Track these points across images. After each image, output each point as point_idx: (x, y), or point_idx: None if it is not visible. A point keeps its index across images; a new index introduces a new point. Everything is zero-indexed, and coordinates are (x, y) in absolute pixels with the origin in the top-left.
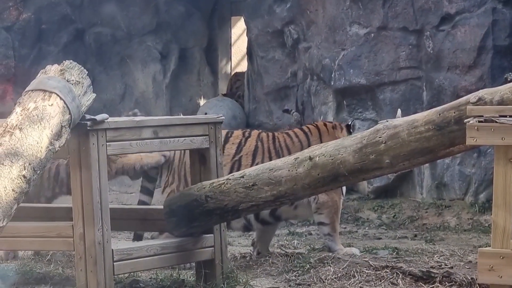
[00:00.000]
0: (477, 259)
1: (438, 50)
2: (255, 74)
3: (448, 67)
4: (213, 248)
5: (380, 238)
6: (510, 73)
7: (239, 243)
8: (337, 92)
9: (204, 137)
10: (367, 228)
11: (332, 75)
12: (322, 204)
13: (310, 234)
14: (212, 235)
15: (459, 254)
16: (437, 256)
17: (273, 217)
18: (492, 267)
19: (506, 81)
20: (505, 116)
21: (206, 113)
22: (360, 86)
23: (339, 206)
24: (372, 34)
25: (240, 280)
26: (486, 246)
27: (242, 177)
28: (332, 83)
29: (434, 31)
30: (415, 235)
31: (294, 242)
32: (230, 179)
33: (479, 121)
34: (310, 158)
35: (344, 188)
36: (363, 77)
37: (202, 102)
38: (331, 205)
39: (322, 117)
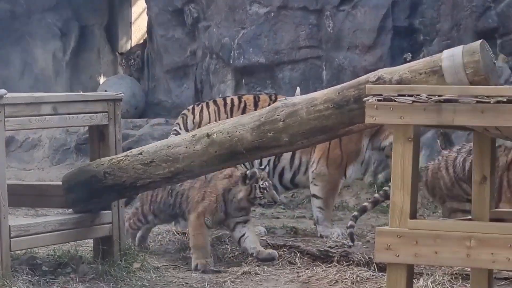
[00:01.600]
0: (375, 238)
1: (338, 30)
2: (155, 52)
3: (348, 47)
4: (111, 224)
5: (278, 218)
6: (409, 54)
7: None
8: (236, 71)
9: (103, 114)
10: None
11: (232, 54)
12: (318, 175)
13: None
14: (110, 211)
15: (357, 233)
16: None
17: (292, 184)
18: (389, 246)
19: (405, 62)
20: (404, 95)
21: (105, 91)
22: (259, 65)
23: (337, 184)
24: (272, 13)
25: (138, 257)
26: (384, 226)
27: (141, 153)
28: (232, 62)
29: (335, 11)
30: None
31: None
32: (128, 156)
33: (378, 100)
34: (208, 135)
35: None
36: (262, 56)
37: (102, 80)
38: (327, 180)
39: (220, 95)
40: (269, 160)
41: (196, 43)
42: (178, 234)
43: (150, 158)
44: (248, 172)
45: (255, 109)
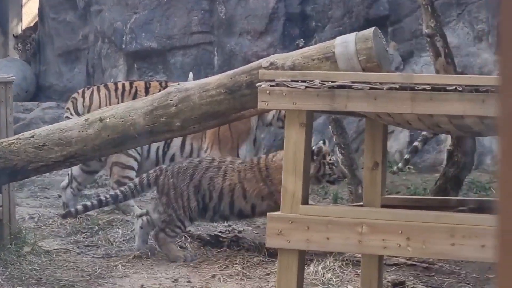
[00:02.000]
0: (267, 224)
1: (230, 16)
2: (46, 36)
3: (240, 33)
4: (1, 208)
5: None
6: (302, 40)
7: (27, 204)
8: (128, 56)
9: None
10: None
11: (124, 39)
12: None
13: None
14: (1, 195)
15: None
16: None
17: None
18: (280, 231)
19: (298, 48)
20: (297, 81)
21: None
22: (151, 50)
23: None
24: None
25: (28, 241)
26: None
27: (33, 137)
28: (124, 47)
29: None
30: None
31: None
32: (20, 139)
33: (271, 86)
34: (101, 120)
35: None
36: (154, 41)
37: None
38: None
39: (112, 80)
40: (158, 147)
41: (88, 27)
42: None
43: (42, 142)
44: (314, 148)
45: (146, 95)
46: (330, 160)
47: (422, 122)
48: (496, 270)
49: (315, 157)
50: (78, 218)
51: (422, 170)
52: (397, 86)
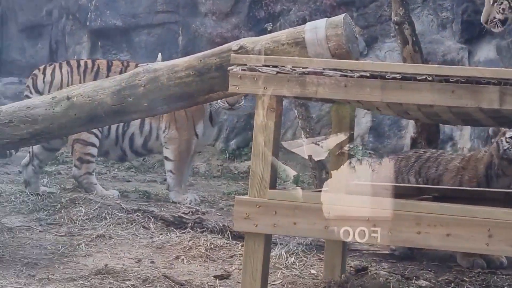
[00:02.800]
0: (234, 207)
1: None
2: (10, 10)
3: (205, 13)
4: None
5: (129, 181)
6: (270, 23)
7: None
8: (92, 33)
9: None
10: (116, 170)
11: (88, 16)
12: (169, 139)
13: (60, 173)
14: None
15: (210, 200)
16: (187, 202)
17: (145, 150)
18: (248, 215)
19: (266, 32)
20: (268, 66)
21: None
22: (116, 28)
23: (189, 145)
24: None
25: None
26: (235, 193)
27: None
28: (88, 24)
29: None
30: (165, 179)
31: (44, 181)
32: None
33: (243, 70)
34: (68, 98)
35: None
36: (119, 19)
37: None
38: (178, 142)
39: (76, 57)
40: (118, 126)
41: (53, 3)
42: (32, 195)
43: (8, 119)
44: (490, 131)
45: (108, 74)
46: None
47: (391, 109)
48: None
49: (493, 139)
50: (41, 196)
51: (383, 155)
52: (368, 74)
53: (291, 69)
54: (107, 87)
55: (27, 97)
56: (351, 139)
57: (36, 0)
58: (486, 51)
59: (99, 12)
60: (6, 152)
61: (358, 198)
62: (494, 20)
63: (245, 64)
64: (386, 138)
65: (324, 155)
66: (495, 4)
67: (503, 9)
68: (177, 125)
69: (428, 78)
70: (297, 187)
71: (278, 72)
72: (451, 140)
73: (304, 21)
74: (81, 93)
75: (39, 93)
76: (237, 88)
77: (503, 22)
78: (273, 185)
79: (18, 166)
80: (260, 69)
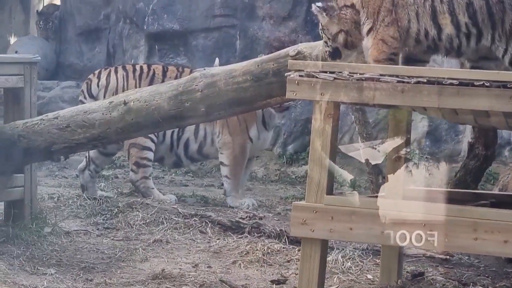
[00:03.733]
0: (291, 212)
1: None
2: (68, 14)
3: (263, 17)
4: (23, 188)
5: (187, 186)
6: None
7: (46, 183)
8: (149, 37)
9: (19, 76)
10: (173, 174)
11: (146, 20)
12: (223, 144)
13: (117, 177)
14: (23, 175)
15: (267, 205)
16: (245, 207)
17: (201, 155)
18: (305, 221)
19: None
20: (326, 72)
21: (16, 51)
22: (173, 32)
23: (244, 149)
24: None
25: (49, 221)
26: (293, 198)
27: (56, 118)
28: (145, 28)
29: None
30: (222, 184)
31: (101, 185)
32: (44, 120)
33: (300, 76)
34: (125, 103)
35: (256, 133)
36: (176, 23)
37: (13, 40)
38: (232, 147)
39: (133, 61)
40: (173, 131)
41: (110, 6)
42: (89, 199)
43: (66, 123)
44: None
45: (163, 79)
46: None
47: (446, 118)
48: None
49: None
50: (98, 200)
51: (440, 160)
52: (425, 80)
53: (348, 75)
54: (164, 92)
55: (81, 102)
56: (407, 143)
57: (94, 3)
58: None
59: (156, 16)
60: (59, 157)
61: (414, 204)
62: (327, 53)
63: (302, 70)
64: (443, 143)
65: (381, 159)
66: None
67: (326, 42)
68: (230, 130)
69: (486, 84)
70: (354, 192)
71: (335, 78)
72: (509, 145)
73: None
74: (138, 98)
75: (93, 98)
76: (294, 94)
77: (334, 53)
78: (329, 191)
79: (75, 170)
80: (317, 75)
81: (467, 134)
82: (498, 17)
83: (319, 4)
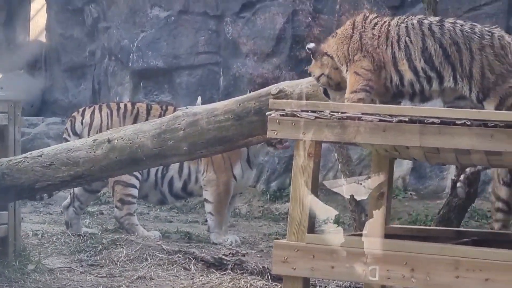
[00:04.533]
0: (273, 251)
1: (237, 37)
2: (53, 51)
3: (246, 54)
4: (7, 225)
5: (171, 222)
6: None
7: (30, 220)
8: (134, 74)
9: (3, 114)
10: (158, 210)
11: (130, 57)
12: (208, 181)
13: (102, 213)
14: (7, 212)
15: (250, 241)
16: (228, 243)
17: (185, 193)
18: (286, 259)
19: (307, 73)
20: (307, 111)
21: (1, 88)
22: (157, 69)
23: (227, 187)
24: (173, 18)
25: (32, 258)
26: (276, 234)
27: (40, 156)
28: (130, 65)
29: (235, 17)
30: (206, 220)
31: (86, 222)
32: (28, 158)
33: (281, 115)
34: (109, 141)
35: (240, 171)
36: (161, 60)
37: None
38: (216, 184)
39: (118, 97)
40: (157, 169)
41: (95, 43)
42: (73, 236)
43: (50, 161)
44: None
45: (147, 117)
46: None
47: (427, 158)
48: None
49: None
50: (82, 237)
51: (424, 197)
52: (407, 119)
53: (329, 114)
54: (148, 130)
55: (65, 140)
56: (390, 180)
57: (79, 40)
58: None
59: (141, 53)
60: (42, 195)
61: (396, 242)
62: (322, 90)
63: (284, 109)
64: (428, 179)
65: (365, 195)
66: None
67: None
68: (215, 167)
69: (467, 123)
70: (339, 228)
71: (316, 117)
72: (492, 181)
73: None
74: (121, 136)
75: (77, 135)
76: (275, 133)
77: (324, 92)
78: (311, 229)
79: (60, 206)
80: (298, 114)
81: (451, 171)
82: (455, 58)
83: (311, 45)
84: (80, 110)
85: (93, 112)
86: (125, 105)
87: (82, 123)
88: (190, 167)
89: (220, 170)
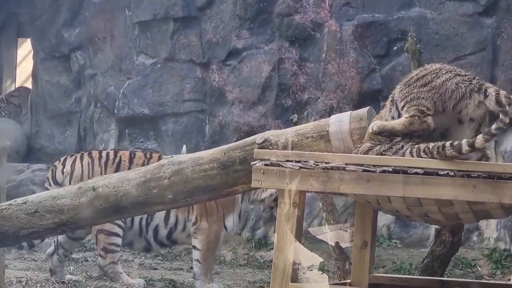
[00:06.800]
0: None
1: (223, 84)
2: (39, 97)
3: (232, 102)
4: None
5: (156, 269)
6: (296, 115)
7: (14, 266)
8: (120, 121)
9: None
10: (143, 257)
11: (116, 104)
12: (199, 229)
13: (86, 260)
14: None
15: None
16: None
17: (170, 241)
18: None
19: (292, 123)
20: (291, 161)
21: None
22: (143, 116)
23: (218, 237)
24: (159, 65)
25: None
26: (261, 282)
27: (25, 203)
28: (116, 112)
29: (221, 65)
30: (191, 267)
31: (70, 269)
32: (12, 205)
33: (266, 165)
34: (94, 189)
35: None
36: (146, 107)
37: None
38: (207, 233)
39: (103, 144)
40: (141, 217)
41: (81, 90)
42: (57, 283)
43: (35, 208)
44: None
45: (130, 166)
46: None
47: (411, 211)
48: None
49: None
50: (66, 284)
51: (409, 245)
52: (390, 169)
53: (314, 164)
54: (132, 178)
55: (46, 189)
56: (374, 229)
57: (65, 87)
58: None
59: (127, 100)
60: (22, 244)
61: None
62: None
63: (268, 159)
64: (412, 228)
65: (349, 243)
66: None
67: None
68: (208, 216)
69: (450, 173)
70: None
71: (301, 167)
72: (477, 230)
73: (331, 110)
74: (106, 184)
75: (58, 184)
76: (260, 183)
77: None
78: (294, 279)
79: (45, 252)
80: (283, 164)
81: None
82: None
83: None
84: (62, 159)
85: (74, 161)
86: (108, 153)
87: (63, 173)
88: (178, 215)
89: (213, 219)
